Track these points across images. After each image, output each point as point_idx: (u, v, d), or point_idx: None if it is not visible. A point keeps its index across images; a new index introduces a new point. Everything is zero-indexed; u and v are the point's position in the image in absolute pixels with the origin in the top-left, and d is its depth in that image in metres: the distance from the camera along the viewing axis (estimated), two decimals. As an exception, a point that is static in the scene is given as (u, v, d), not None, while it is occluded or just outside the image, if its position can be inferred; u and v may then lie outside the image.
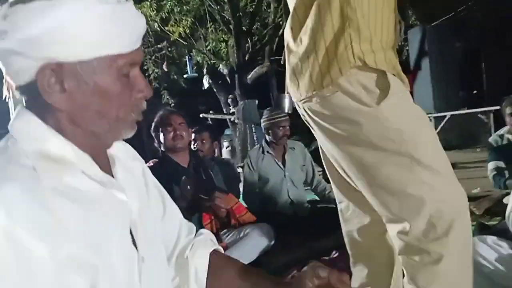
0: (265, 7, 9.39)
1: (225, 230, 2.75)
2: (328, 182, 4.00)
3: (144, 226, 0.80)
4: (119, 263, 0.71)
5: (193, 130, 3.55)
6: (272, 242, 2.68)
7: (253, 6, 9.18)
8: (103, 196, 0.72)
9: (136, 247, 0.77)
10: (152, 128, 2.68)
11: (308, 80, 1.19)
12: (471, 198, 3.21)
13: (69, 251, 0.63)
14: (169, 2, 8.45)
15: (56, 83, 0.68)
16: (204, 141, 3.62)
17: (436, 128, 6.38)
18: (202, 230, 1.04)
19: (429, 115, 6.59)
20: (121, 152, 0.84)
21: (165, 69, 10.07)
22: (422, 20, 8.91)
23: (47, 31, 0.65)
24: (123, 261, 0.72)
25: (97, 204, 0.70)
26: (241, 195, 3.53)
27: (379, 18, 1.20)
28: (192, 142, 3.53)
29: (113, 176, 0.78)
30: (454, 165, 4.93)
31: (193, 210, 2.41)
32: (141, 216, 0.79)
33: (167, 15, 8.58)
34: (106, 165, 0.78)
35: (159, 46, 9.61)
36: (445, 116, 6.40)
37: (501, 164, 3.52)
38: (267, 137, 3.57)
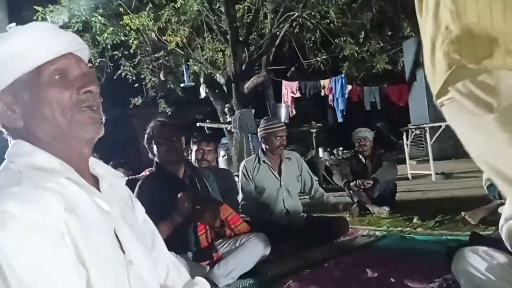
0: (261, 18, 9.47)
1: (221, 240, 2.74)
2: (325, 190, 3.99)
3: (129, 232, 0.85)
4: (106, 265, 0.75)
5: (196, 140, 3.50)
6: (268, 252, 2.67)
7: (250, 17, 9.26)
8: (87, 201, 0.78)
9: (123, 251, 0.82)
10: (145, 139, 2.61)
11: None
12: (466, 208, 3.24)
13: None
14: (166, 12, 8.51)
15: (8, 110, 0.80)
16: (209, 152, 3.53)
17: (431, 139, 6.42)
18: (197, 280, 1.05)
19: (424, 125, 6.62)
20: (106, 171, 0.90)
21: (162, 78, 10.11)
22: (417, 31, 9.01)
23: None
24: (110, 262, 0.77)
25: (80, 206, 0.76)
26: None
27: None
28: (195, 153, 3.49)
29: (99, 190, 0.85)
30: (449, 175, 4.93)
31: (188, 221, 2.40)
32: (126, 224, 0.86)
33: (164, 24, 8.63)
34: (91, 181, 0.84)
35: (156, 55, 9.65)
36: (440, 126, 6.43)
37: (496, 174, 3.53)
38: (263, 146, 3.58)
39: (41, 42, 0.80)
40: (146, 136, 2.60)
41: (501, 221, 1.37)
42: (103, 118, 0.85)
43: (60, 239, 0.68)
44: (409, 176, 6.70)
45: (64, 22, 8.61)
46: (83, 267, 0.70)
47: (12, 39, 0.80)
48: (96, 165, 0.90)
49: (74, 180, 0.77)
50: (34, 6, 8.60)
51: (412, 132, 7.13)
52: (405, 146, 7.10)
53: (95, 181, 0.87)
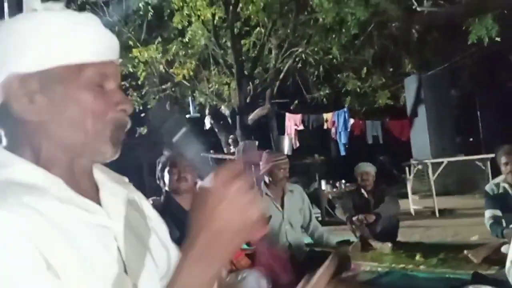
0: (266, 53, 9.72)
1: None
2: (323, 224, 4.00)
3: (135, 251, 0.74)
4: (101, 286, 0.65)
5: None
6: (270, 287, 2.66)
7: (255, 52, 9.51)
8: (80, 220, 0.66)
9: (126, 273, 0.70)
10: (158, 167, 2.71)
11: None
12: (469, 246, 3.25)
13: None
14: (174, 46, 8.76)
15: (24, 95, 0.67)
16: None
17: (433, 174, 6.45)
18: None
19: (426, 161, 6.67)
20: (108, 176, 0.79)
21: (168, 109, 10.28)
22: (418, 69, 9.21)
23: (7, 45, 0.66)
24: (107, 285, 0.65)
25: (63, 224, 0.63)
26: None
27: None
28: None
29: (99, 200, 0.73)
30: (452, 212, 4.93)
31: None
32: (133, 240, 0.74)
33: (172, 57, 8.87)
34: (89, 190, 0.73)
35: (163, 86, 9.85)
36: (442, 162, 6.48)
37: (498, 212, 3.54)
38: (266, 178, 3.61)
39: (94, 37, 0.70)
40: (159, 164, 2.66)
41: (508, 264, 1.38)
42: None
43: (29, 265, 0.57)
44: (412, 211, 6.68)
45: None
46: None
47: (64, 20, 0.68)
48: (97, 170, 0.78)
49: (57, 196, 0.65)
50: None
51: (415, 167, 7.17)
52: (407, 181, 7.12)
53: (96, 188, 0.75)
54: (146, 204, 0.85)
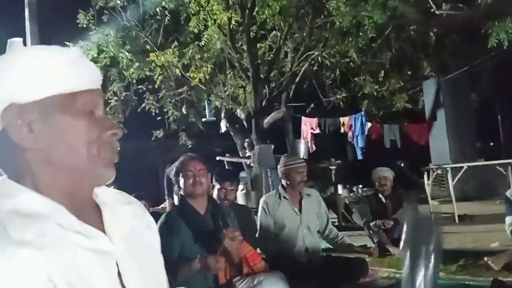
0: (282, 56, 9.71)
1: (238, 277, 2.73)
2: (340, 230, 3.96)
3: (136, 275, 0.75)
4: None
5: (220, 178, 3.44)
6: (286, 291, 2.64)
7: (271, 55, 9.52)
8: (82, 246, 0.69)
9: None
10: (173, 172, 2.73)
11: None
12: (489, 253, 3.17)
13: None
14: (191, 50, 8.83)
15: (23, 125, 0.70)
16: (232, 191, 3.50)
17: (453, 179, 6.32)
18: None
19: (445, 166, 6.56)
20: (110, 197, 0.82)
21: (184, 112, 10.36)
22: (436, 72, 9.07)
23: (7, 77, 0.71)
24: None
25: (75, 255, 0.67)
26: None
27: None
28: (217, 191, 3.50)
29: (102, 224, 0.76)
30: (472, 218, 4.83)
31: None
32: (134, 263, 0.76)
33: (188, 61, 8.94)
34: (91, 215, 0.76)
35: (179, 90, 9.94)
36: (462, 167, 6.35)
37: (519, 219, 3.46)
38: (283, 182, 3.60)
39: (84, 69, 0.77)
40: (174, 168, 2.68)
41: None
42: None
43: None
44: (431, 217, 6.56)
45: (93, 57, 9.02)
46: None
47: (58, 55, 0.75)
48: (101, 192, 0.81)
49: (59, 223, 0.68)
50: (66, 42, 9.07)
51: (434, 172, 7.05)
52: (426, 186, 7.00)
53: (98, 210, 0.78)
54: (153, 226, 0.88)
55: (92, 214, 0.76)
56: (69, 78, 0.73)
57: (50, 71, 0.72)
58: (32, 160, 0.71)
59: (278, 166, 3.67)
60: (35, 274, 0.61)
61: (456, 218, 6.06)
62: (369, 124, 9.49)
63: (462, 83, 7.04)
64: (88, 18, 8.94)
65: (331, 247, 3.99)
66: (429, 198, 6.83)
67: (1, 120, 0.70)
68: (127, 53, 9.09)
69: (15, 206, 0.67)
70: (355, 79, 10.42)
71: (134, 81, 9.43)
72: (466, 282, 2.84)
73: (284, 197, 3.52)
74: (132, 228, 0.80)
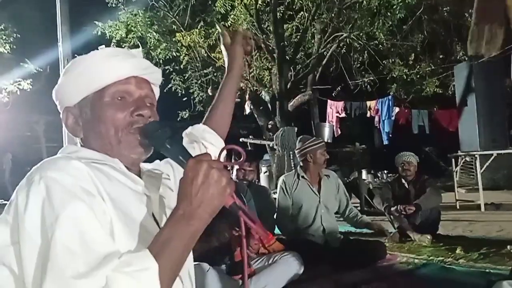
0: (309, 38, 9.56)
1: (255, 255, 2.77)
2: (362, 213, 3.90)
3: (166, 216, 0.91)
4: (135, 236, 0.84)
5: (236, 158, 3.51)
6: (301, 271, 2.66)
7: (298, 36, 9.38)
8: (122, 183, 0.89)
9: None
10: None
11: None
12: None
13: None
14: (217, 30, 8.80)
15: (74, 122, 0.95)
16: (251, 172, 3.56)
17: (481, 167, 6.13)
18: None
19: (475, 153, 6.35)
20: (147, 168, 1.02)
21: (210, 93, 10.39)
22: (469, 56, 8.71)
23: (59, 90, 0.97)
24: (142, 237, 0.84)
25: (114, 185, 0.87)
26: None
27: None
28: (236, 172, 3.54)
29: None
30: (499, 206, 4.68)
31: (224, 236, 2.48)
32: (166, 208, 0.96)
33: (214, 42, 8.92)
34: (136, 174, 0.96)
35: (205, 71, 9.96)
36: (491, 155, 6.14)
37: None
38: (301, 163, 3.60)
39: (105, 67, 0.93)
40: None
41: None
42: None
43: (92, 198, 0.78)
44: (457, 204, 6.42)
45: (121, 37, 9.14)
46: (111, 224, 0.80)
47: (83, 63, 0.95)
48: (141, 166, 1.00)
49: (112, 166, 0.89)
50: (95, 22, 9.21)
51: (462, 159, 6.85)
52: (454, 173, 6.82)
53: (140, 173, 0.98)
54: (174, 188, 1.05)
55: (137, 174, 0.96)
56: (97, 77, 0.92)
57: (82, 77, 0.93)
58: (84, 147, 0.95)
59: (297, 147, 3.66)
60: (87, 181, 0.80)
61: (482, 206, 5.90)
62: (396, 109, 9.27)
63: (495, 68, 6.71)
64: (117, -3, 9.04)
65: (351, 229, 3.97)
66: (455, 185, 6.66)
67: (63, 121, 0.97)
68: (155, 33, 9.16)
69: (75, 154, 0.89)
70: (384, 62, 10.15)
71: (161, 61, 9.51)
72: (487, 270, 2.77)
73: (303, 177, 3.52)
74: (163, 187, 0.99)
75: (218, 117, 1.32)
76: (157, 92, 1.05)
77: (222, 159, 0.92)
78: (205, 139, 1.23)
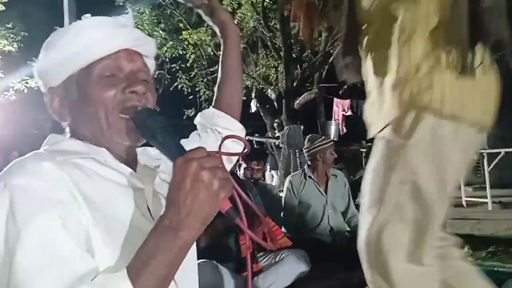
0: (316, 36, 9.52)
1: (262, 253, 2.77)
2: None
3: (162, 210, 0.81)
4: (127, 236, 0.74)
5: (247, 157, 3.44)
6: (308, 269, 2.66)
7: (305, 34, 9.34)
8: (116, 180, 0.78)
9: None
10: None
11: None
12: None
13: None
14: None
15: (60, 105, 0.83)
16: (259, 170, 3.55)
17: (489, 165, 6.09)
18: None
19: (482, 151, 6.30)
20: (144, 155, 0.90)
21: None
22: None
23: (40, 69, 0.84)
24: (133, 235, 0.74)
25: (105, 184, 0.76)
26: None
27: None
28: (243, 170, 3.53)
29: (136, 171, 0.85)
30: (507, 205, 4.64)
31: (231, 232, 2.47)
32: (161, 201, 0.84)
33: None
34: (132, 164, 0.84)
35: (211, 69, 9.97)
36: (499, 153, 6.09)
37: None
38: (309, 163, 3.59)
39: (91, 40, 0.80)
40: None
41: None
42: None
43: (64, 207, 0.68)
44: (464, 203, 6.38)
45: (128, 36, 9.17)
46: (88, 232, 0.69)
47: (65, 37, 0.81)
48: (138, 151, 0.88)
49: (97, 160, 0.77)
50: (103, 20, 9.24)
51: (469, 157, 6.80)
52: (460, 171, 6.76)
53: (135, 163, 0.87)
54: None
55: (132, 164, 0.84)
56: (82, 52, 0.79)
57: (64, 53, 0.80)
58: (72, 133, 0.83)
59: (306, 146, 3.65)
60: (59, 186, 0.69)
61: (490, 205, 5.86)
62: (403, 107, 9.23)
63: (505, 62, 6.66)
64: (124, -5, 9.06)
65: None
66: (462, 184, 6.62)
67: (46, 103, 0.85)
68: (161, 31, 9.18)
69: (56, 147, 0.79)
70: (391, 60, 10.10)
71: (167, 59, 9.54)
72: (495, 269, 2.76)
73: (310, 176, 3.51)
74: (160, 177, 0.88)
75: (227, 97, 1.13)
76: (151, 65, 0.92)
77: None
78: (218, 125, 1.09)
